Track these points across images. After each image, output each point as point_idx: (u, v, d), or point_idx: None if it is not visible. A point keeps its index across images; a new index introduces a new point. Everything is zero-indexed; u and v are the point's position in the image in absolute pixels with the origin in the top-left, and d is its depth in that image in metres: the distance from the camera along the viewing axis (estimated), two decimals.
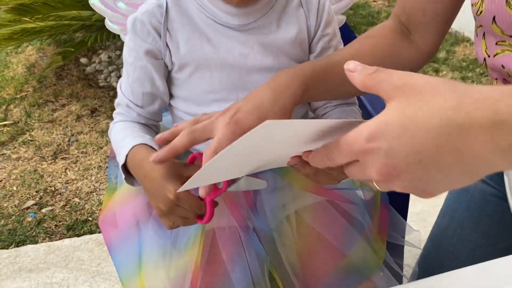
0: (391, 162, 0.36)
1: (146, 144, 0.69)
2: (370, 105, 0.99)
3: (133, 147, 0.68)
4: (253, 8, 0.69)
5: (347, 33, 1.04)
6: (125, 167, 0.70)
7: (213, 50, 0.70)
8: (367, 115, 1.03)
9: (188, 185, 0.54)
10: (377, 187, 0.40)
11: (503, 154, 0.34)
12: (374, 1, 3.40)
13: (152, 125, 0.79)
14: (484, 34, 0.66)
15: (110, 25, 0.92)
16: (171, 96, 0.78)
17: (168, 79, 0.76)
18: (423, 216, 1.61)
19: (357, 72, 0.40)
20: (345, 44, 0.75)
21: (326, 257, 0.75)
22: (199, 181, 0.55)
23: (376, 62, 0.69)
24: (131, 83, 0.74)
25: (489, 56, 0.65)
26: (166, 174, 0.62)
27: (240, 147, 0.43)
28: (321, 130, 0.42)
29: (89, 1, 0.93)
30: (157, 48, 0.71)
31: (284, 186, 0.78)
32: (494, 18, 0.60)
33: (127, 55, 0.74)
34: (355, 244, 0.76)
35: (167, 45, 0.71)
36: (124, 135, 0.73)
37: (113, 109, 0.79)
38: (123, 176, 0.71)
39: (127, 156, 0.69)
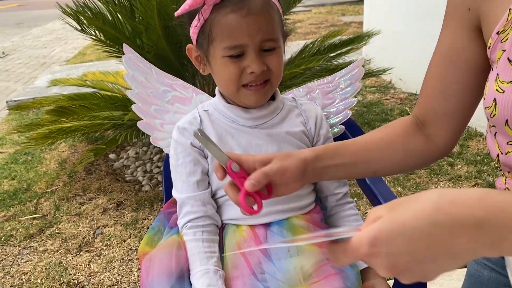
0: (392, 263, 0.44)
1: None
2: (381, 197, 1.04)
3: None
4: (262, 113, 0.94)
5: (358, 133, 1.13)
6: None
7: (236, 143, 0.93)
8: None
9: None
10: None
11: (487, 248, 0.42)
12: (387, 99, 3.57)
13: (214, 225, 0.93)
14: (495, 134, 0.68)
15: (154, 142, 1.07)
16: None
17: None
18: None
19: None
20: None
21: None
22: None
23: (386, 149, 0.76)
24: (185, 179, 0.92)
25: (502, 153, 0.67)
26: None
27: None
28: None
29: (137, 125, 1.06)
30: (198, 144, 0.92)
31: (302, 250, 0.88)
32: (507, 121, 0.62)
33: (176, 158, 0.93)
34: None
35: None
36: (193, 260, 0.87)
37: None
38: None
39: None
